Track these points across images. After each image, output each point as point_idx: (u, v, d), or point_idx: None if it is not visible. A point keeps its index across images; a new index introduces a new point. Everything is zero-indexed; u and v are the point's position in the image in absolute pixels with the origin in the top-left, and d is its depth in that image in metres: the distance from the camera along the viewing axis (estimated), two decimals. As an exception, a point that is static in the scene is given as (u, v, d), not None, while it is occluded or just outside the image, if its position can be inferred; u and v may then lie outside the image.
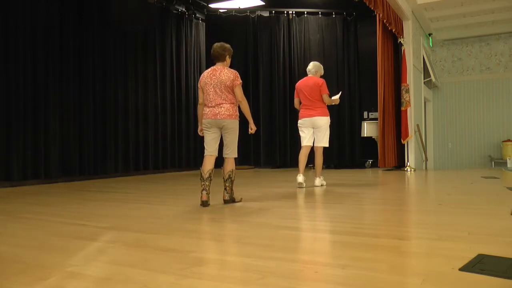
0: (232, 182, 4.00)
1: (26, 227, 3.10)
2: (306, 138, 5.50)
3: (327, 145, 5.53)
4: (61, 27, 6.95)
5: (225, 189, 3.99)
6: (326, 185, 5.59)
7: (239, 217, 3.42)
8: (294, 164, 9.96)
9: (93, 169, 7.46)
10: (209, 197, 3.83)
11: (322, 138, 5.46)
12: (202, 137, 4.11)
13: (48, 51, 6.71)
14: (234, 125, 3.99)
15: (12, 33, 6.23)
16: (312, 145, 5.54)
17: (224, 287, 1.68)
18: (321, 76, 5.64)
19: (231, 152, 4.02)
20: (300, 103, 5.58)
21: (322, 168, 5.68)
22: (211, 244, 2.56)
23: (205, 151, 4.03)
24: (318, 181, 5.50)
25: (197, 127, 4.23)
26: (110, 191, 5.80)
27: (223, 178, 3.99)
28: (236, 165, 4.10)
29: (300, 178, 5.38)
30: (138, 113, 8.49)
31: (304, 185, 5.40)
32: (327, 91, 5.44)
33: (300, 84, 5.57)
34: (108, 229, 2.93)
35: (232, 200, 4.03)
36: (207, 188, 3.82)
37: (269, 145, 10.07)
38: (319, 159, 5.52)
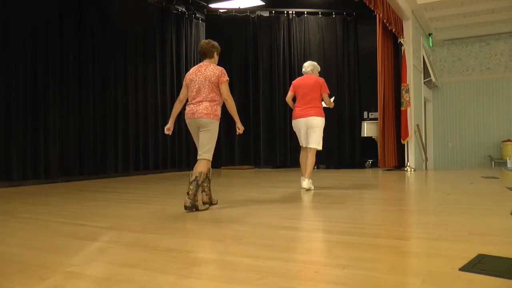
0: (198, 186, 3.57)
1: (26, 227, 3.10)
2: (302, 139, 5.25)
3: (320, 148, 5.17)
4: (61, 27, 6.95)
5: (187, 193, 3.55)
6: (314, 189, 5.10)
7: (239, 217, 3.42)
8: (294, 164, 9.96)
9: (93, 169, 7.45)
10: (191, 202, 3.53)
11: (315, 139, 5.12)
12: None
13: (48, 51, 6.71)
14: (211, 124, 3.73)
15: (12, 33, 6.22)
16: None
17: (224, 287, 1.68)
18: (320, 75, 5.45)
19: (205, 152, 3.72)
20: (294, 99, 5.31)
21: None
22: (211, 244, 2.56)
23: (198, 155, 3.78)
24: (306, 182, 5.03)
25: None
26: (110, 191, 5.80)
27: (189, 180, 3.60)
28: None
29: (305, 183, 5.05)
30: (138, 113, 8.49)
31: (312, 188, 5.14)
32: (327, 91, 5.24)
33: (299, 81, 5.31)
34: (108, 229, 2.93)
35: (194, 207, 3.56)
36: (190, 192, 3.53)
37: (269, 145, 10.06)
38: (311, 160, 5.10)
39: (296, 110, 5.27)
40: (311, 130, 5.15)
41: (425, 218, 3.31)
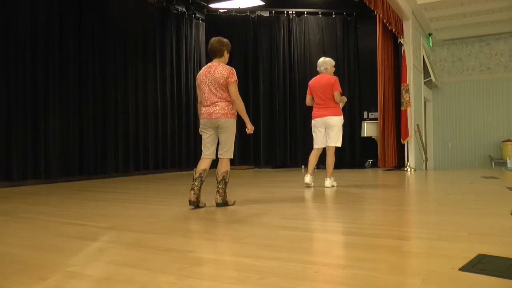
0: (225, 184, 3.82)
1: (26, 227, 3.10)
2: (319, 140, 5.42)
3: (339, 145, 5.40)
4: (61, 27, 6.95)
5: (217, 191, 3.80)
6: (336, 186, 5.45)
7: (239, 217, 3.42)
8: (294, 164, 9.97)
9: (93, 169, 7.45)
10: (197, 197, 3.67)
11: (334, 137, 5.34)
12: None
13: (48, 51, 6.71)
14: (229, 124, 3.82)
15: (12, 33, 6.23)
16: (324, 147, 5.43)
17: (224, 287, 1.68)
18: (334, 72, 5.53)
19: (226, 152, 3.84)
20: (313, 100, 5.50)
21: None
22: (211, 244, 2.56)
23: (202, 153, 3.90)
24: (328, 182, 5.35)
25: (198, 127, 4.17)
26: (110, 191, 5.80)
27: (216, 179, 3.81)
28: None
29: (308, 178, 5.32)
30: (138, 113, 8.50)
31: (312, 185, 5.36)
32: (339, 89, 5.33)
33: (313, 82, 5.47)
34: (108, 229, 2.93)
35: (225, 203, 3.84)
36: (195, 188, 3.66)
37: (269, 145, 10.07)
38: (330, 159, 5.36)
39: (314, 111, 5.49)
40: (329, 129, 5.38)
41: (425, 218, 3.31)
